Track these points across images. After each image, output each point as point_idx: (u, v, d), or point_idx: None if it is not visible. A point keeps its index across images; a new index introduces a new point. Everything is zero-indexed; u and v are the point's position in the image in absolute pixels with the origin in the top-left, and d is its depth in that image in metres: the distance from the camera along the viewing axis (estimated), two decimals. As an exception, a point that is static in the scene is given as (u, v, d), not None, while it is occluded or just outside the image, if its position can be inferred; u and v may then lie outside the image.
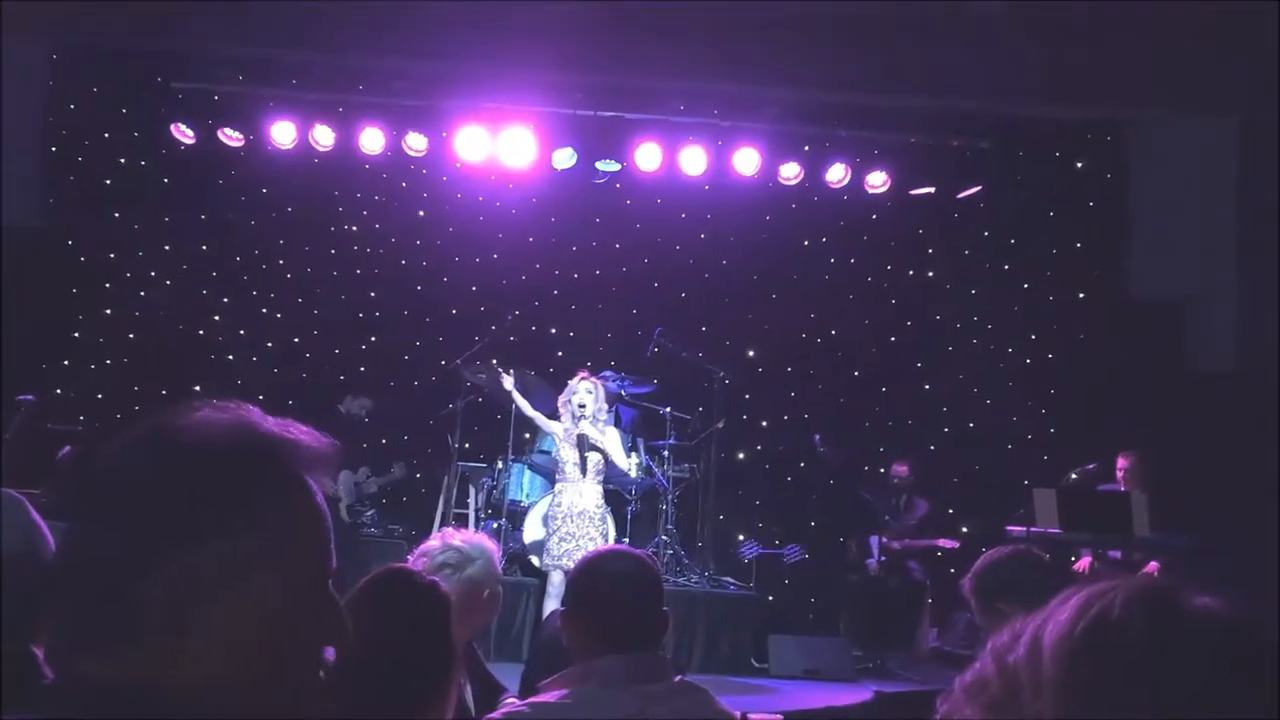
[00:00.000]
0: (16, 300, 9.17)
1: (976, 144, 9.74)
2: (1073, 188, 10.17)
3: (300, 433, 1.16)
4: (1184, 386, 9.27)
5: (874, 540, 9.20)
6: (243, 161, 9.73)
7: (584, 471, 7.36)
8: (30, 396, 6.92)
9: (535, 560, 8.08)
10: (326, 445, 1.18)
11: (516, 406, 7.93)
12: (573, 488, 7.37)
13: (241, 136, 9.37)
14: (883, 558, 9.14)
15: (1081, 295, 10.19)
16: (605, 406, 7.59)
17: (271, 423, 1.15)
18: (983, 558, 3.30)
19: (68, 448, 7.47)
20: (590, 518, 7.30)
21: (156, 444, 1.10)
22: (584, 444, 7.34)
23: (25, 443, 6.85)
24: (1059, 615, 0.89)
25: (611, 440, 7.48)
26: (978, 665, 0.94)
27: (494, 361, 8.06)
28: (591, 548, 7.18)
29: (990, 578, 3.20)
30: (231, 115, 9.33)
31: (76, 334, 9.73)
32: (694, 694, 2.39)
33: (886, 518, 9.14)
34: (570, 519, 7.28)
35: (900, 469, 9.58)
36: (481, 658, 3.60)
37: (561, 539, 7.25)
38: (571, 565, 7.09)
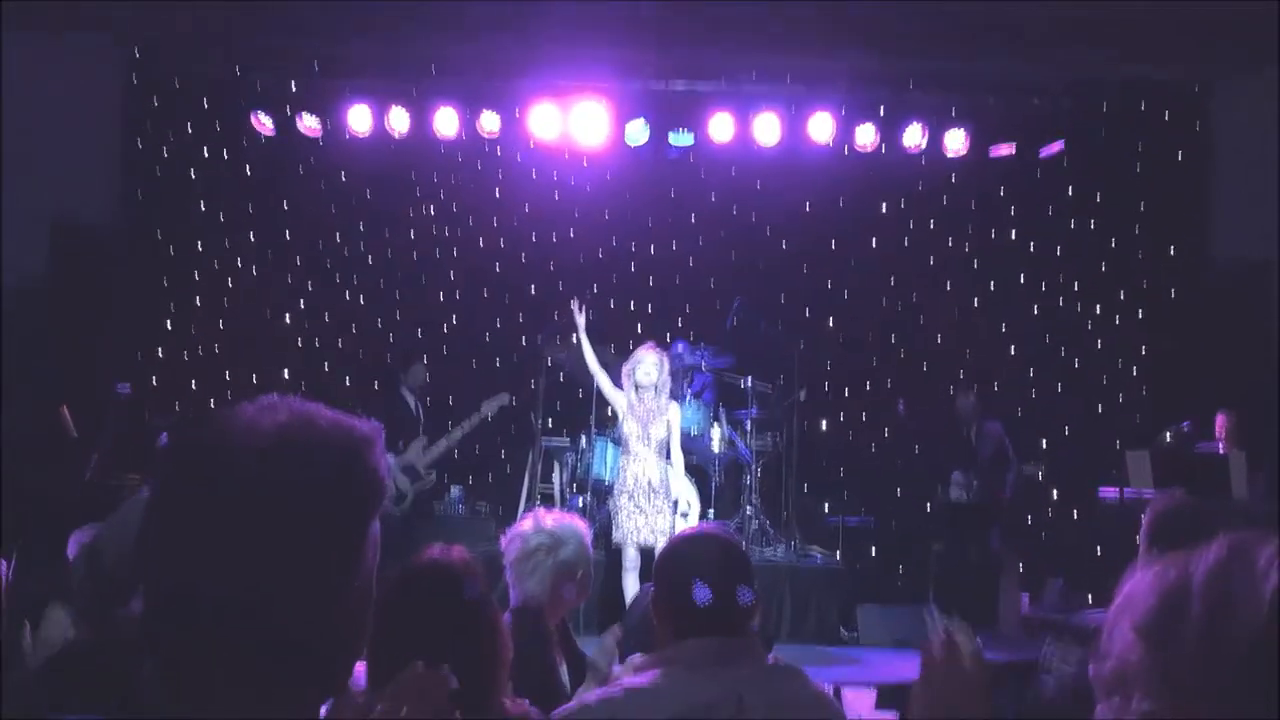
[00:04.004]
0: (110, 293, 9.44)
1: (1058, 101, 9.50)
2: (1160, 141, 9.86)
3: (352, 420, 1.17)
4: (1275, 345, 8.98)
5: (955, 475, 9.07)
6: (321, 149, 9.88)
7: (648, 444, 7.34)
8: (126, 387, 7.10)
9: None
10: (375, 429, 1.18)
11: (589, 368, 7.67)
12: (636, 462, 7.33)
13: (319, 124, 9.51)
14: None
15: (1172, 251, 9.91)
16: (669, 381, 7.49)
17: (324, 413, 1.16)
18: (1163, 499, 3.17)
19: (165, 436, 7.66)
20: (656, 491, 7.28)
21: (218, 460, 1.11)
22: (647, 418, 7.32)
23: (123, 432, 7.04)
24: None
25: (673, 415, 7.43)
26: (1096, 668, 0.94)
27: (575, 303, 7.85)
28: (662, 520, 7.18)
29: (1160, 523, 3.06)
30: (308, 103, 9.48)
31: (169, 324, 9.98)
32: (786, 675, 2.38)
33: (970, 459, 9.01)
34: (638, 493, 7.27)
35: (965, 400, 9.31)
36: (574, 636, 3.64)
37: (630, 514, 7.24)
38: (643, 540, 7.12)
